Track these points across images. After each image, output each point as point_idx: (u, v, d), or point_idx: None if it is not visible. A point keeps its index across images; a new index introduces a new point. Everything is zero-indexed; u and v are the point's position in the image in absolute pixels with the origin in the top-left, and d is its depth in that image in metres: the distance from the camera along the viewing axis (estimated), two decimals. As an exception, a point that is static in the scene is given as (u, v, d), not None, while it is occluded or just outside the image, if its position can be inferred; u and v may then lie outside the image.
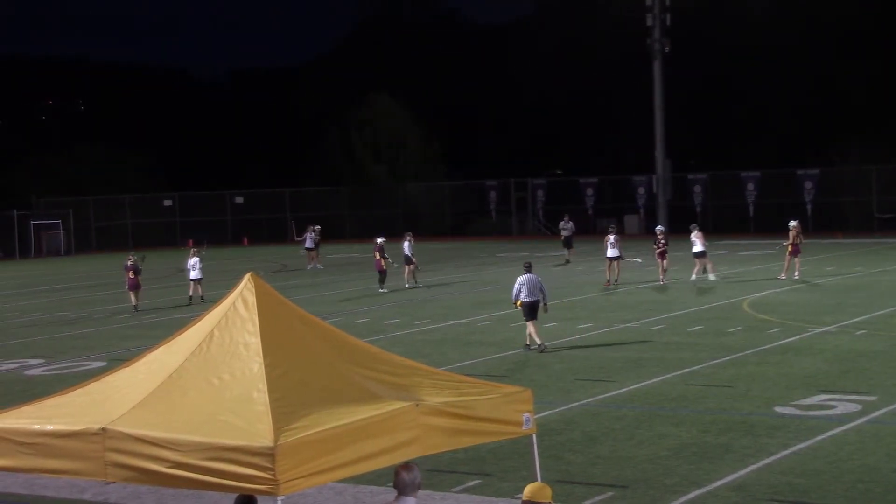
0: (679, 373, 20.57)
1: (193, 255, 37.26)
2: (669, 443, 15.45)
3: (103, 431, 8.31)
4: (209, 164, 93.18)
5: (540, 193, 74.53)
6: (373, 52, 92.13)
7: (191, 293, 36.71)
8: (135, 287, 35.48)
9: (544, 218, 73.54)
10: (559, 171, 77.24)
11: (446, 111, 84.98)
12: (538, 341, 23.75)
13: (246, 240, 75.18)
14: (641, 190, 70.74)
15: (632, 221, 70.91)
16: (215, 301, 9.17)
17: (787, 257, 36.44)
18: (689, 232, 37.54)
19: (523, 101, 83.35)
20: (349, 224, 77.22)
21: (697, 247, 36.20)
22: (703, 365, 21.24)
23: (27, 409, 9.22)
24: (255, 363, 8.62)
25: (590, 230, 70.04)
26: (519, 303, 23.95)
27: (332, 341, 9.48)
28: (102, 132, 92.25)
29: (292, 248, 58.30)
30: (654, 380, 19.97)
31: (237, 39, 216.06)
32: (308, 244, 49.74)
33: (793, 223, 36.78)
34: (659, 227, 38.03)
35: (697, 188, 68.79)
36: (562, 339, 25.22)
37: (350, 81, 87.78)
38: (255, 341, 8.80)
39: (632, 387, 19.46)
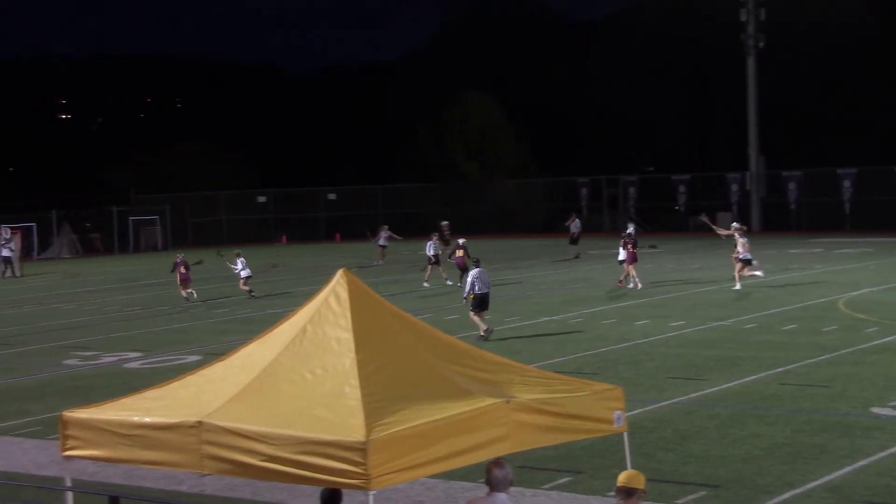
0: (773, 372, 20.32)
1: (239, 256, 38.44)
2: (763, 443, 15.28)
3: (199, 424, 8.44)
4: (303, 161, 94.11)
5: (632, 191, 73.98)
6: (464, 49, 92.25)
7: (246, 288, 38.07)
8: (186, 280, 37.69)
9: (636, 215, 73.00)
10: (651, 168, 76.61)
11: (538, 108, 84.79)
12: (484, 327, 25.74)
13: (339, 236, 75.72)
14: (735, 187, 69.89)
15: (724, 219, 70.04)
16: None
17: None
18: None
19: (615, 98, 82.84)
20: (440, 221, 77.30)
21: None
22: (798, 364, 20.95)
23: (126, 402, 9.41)
24: (347, 358, 8.69)
25: (682, 228, 69.41)
26: (472, 295, 26.02)
27: (424, 337, 9.53)
28: (199, 130, 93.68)
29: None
30: (748, 379, 19.76)
31: (331, 37, 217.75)
32: (381, 242, 50.36)
33: (734, 224, 36.15)
34: (630, 230, 36.98)
35: (792, 185, 67.75)
36: (654, 337, 25.06)
37: (442, 78, 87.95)
38: (347, 336, 8.88)
39: (724, 385, 19.28)
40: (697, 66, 79.43)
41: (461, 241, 38.47)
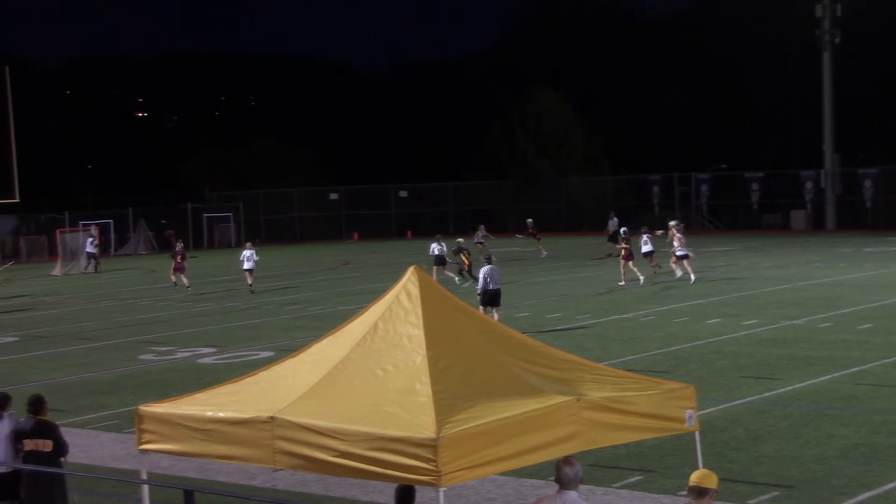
0: (848, 371, 20.07)
1: (249, 248, 40.25)
2: (837, 443, 15.11)
3: (272, 420, 8.54)
4: (374, 159, 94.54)
5: (704, 188, 73.35)
6: (536, 47, 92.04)
7: (249, 282, 39.90)
8: (182, 269, 40.48)
9: (709, 213, 72.43)
10: (724, 166, 75.89)
11: (609, 104, 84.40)
12: None
13: (410, 233, 75.98)
14: (809, 185, 69.01)
15: (798, 217, 69.25)
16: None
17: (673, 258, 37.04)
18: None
19: (687, 94, 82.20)
20: (512, 218, 77.31)
21: None
22: (874, 364, 20.66)
23: (200, 397, 9.55)
24: (418, 355, 8.74)
25: (755, 226, 68.73)
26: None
27: (494, 335, 9.55)
28: (272, 127, 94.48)
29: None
30: (822, 378, 19.53)
31: (403, 34, 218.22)
32: (478, 240, 50.83)
33: (672, 223, 37.91)
34: (623, 229, 39.25)
35: (868, 183, 66.70)
36: (726, 336, 24.86)
37: (513, 75, 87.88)
38: (418, 333, 8.93)
39: (798, 385, 19.08)
40: (771, 62, 78.52)
41: (460, 240, 39.29)
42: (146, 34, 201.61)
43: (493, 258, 28.54)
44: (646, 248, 37.64)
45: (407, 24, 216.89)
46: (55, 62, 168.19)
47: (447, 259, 40.87)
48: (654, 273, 37.68)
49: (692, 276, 35.97)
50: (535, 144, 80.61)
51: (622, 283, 36.45)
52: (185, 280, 40.62)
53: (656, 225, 46.01)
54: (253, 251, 40.16)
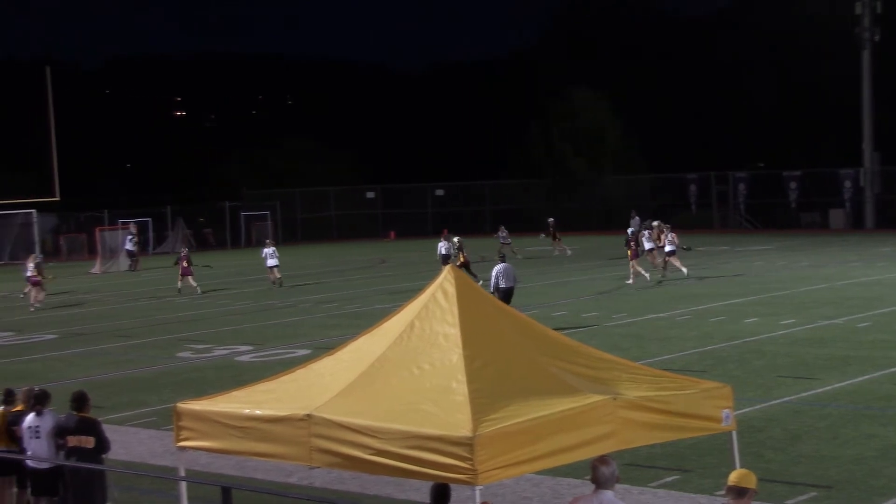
0: (887, 372, 19.92)
1: (270, 246, 41.50)
2: (876, 443, 15.01)
3: (308, 417, 8.58)
4: (411, 157, 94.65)
5: (741, 187, 72.91)
6: (572, 45, 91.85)
7: (271, 278, 41.12)
8: (189, 274, 40.50)
9: (746, 212, 72.01)
10: (761, 164, 75.41)
11: (646, 104, 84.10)
12: None
13: (446, 231, 75.92)
14: (848, 183, 68.47)
15: (837, 216, 68.72)
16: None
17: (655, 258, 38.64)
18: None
19: (725, 93, 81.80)
20: (548, 217, 77.16)
21: None
22: (913, 364, 20.51)
23: (237, 394, 9.60)
24: (454, 354, 8.76)
25: (793, 225, 68.30)
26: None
27: (531, 333, 9.55)
28: (309, 126, 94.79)
29: (491, 241, 58.72)
30: (860, 378, 19.40)
31: (438, 33, 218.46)
32: (503, 240, 50.97)
33: (654, 223, 39.65)
34: (630, 230, 40.88)
35: (908, 181, 66.16)
36: (763, 335, 24.74)
37: (550, 74, 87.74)
38: (454, 332, 8.94)
39: (836, 385, 18.96)
40: (809, 60, 78.00)
41: (456, 239, 39.54)
42: (184, 34, 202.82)
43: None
44: (648, 245, 39.11)
45: (444, 22, 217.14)
46: (95, 63, 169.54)
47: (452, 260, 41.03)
48: (663, 272, 38.35)
49: (684, 270, 37.40)
50: (571, 143, 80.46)
51: (630, 281, 36.80)
52: (192, 282, 40.52)
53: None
54: (274, 248, 41.18)
